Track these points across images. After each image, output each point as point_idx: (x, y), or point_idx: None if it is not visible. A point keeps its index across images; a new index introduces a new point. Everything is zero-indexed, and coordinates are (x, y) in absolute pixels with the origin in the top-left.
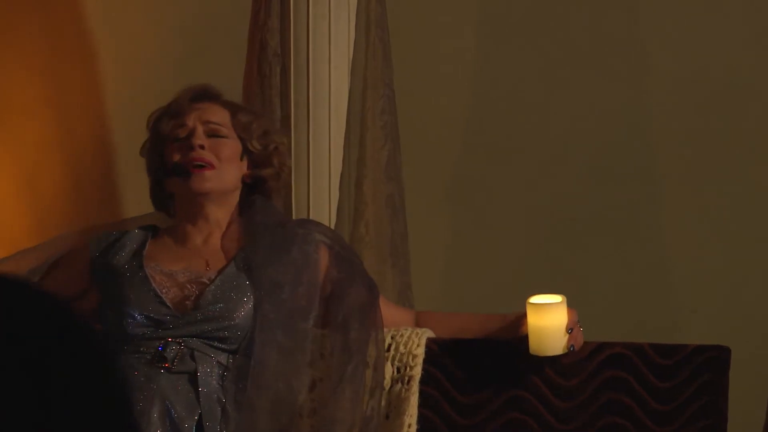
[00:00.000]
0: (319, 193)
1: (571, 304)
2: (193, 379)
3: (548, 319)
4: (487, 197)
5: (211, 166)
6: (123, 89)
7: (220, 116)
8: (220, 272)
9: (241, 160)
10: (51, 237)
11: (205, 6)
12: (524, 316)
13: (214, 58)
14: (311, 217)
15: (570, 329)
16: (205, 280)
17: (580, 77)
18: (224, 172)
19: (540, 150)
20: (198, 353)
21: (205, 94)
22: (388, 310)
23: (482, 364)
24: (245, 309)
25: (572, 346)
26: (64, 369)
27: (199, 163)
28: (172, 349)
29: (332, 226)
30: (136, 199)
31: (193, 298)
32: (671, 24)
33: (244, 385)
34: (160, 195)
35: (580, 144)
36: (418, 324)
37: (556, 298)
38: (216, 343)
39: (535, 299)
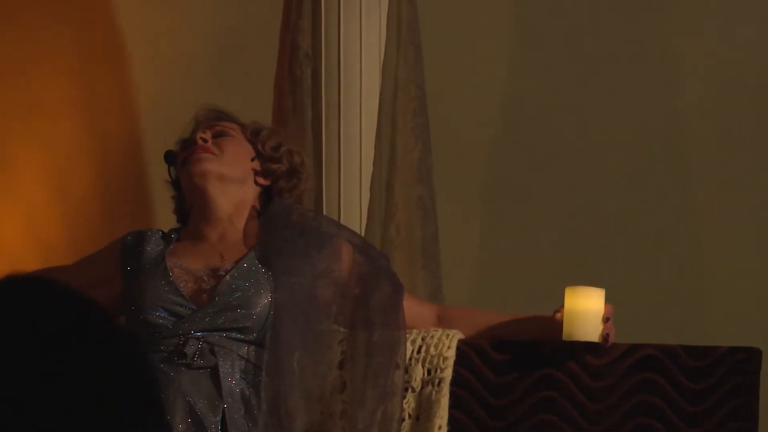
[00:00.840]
0: (350, 195)
1: None
2: (214, 374)
3: (586, 303)
4: (519, 199)
5: (210, 152)
6: (154, 91)
7: (228, 124)
8: (236, 263)
9: (252, 160)
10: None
11: (236, 7)
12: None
13: (246, 59)
14: (342, 219)
15: (607, 318)
16: (221, 272)
17: (613, 79)
18: (225, 158)
19: (573, 151)
20: (218, 347)
21: (215, 114)
22: (409, 305)
23: (513, 366)
24: (263, 297)
25: (607, 334)
26: (90, 365)
27: (200, 151)
28: (192, 344)
29: (363, 228)
30: (166, 200)
31: (209, 289)
32: (706, 27)
33: (269, 378)
34: (181, 208)
35: (613, 146)
36: (440, 319)
37: (595, 288)
38: (235, 335)
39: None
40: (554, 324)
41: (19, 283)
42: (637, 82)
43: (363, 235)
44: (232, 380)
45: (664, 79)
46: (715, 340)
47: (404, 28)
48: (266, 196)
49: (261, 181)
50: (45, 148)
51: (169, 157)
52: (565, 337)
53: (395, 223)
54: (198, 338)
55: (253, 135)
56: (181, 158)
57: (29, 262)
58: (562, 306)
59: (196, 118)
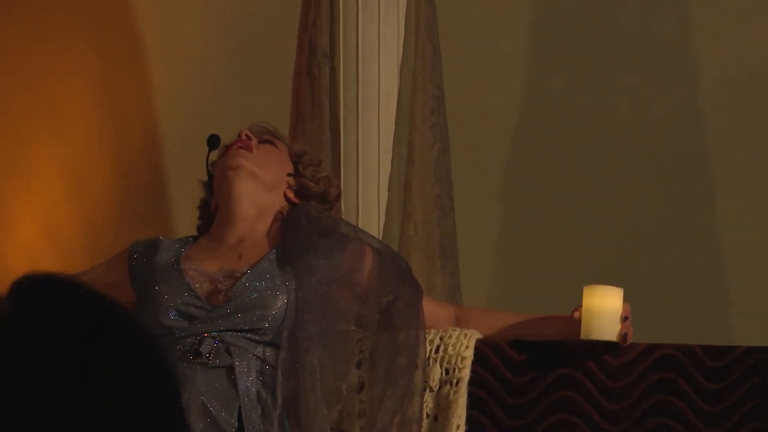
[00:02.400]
0: (368, 194)
1: None
2: (230, 373)
3: (604, 302)
4: (537, 198)
5: (250, 150)
6: (172, 91)
7: (276, 139)
8: (253, 265)
9: (289, 176)
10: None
11: (255, 7)
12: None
13: (264, 59)
14: (360, 218)
15: (625, 318)
16: (237, 274)
17: (631, 79)
18: (261, 160)
19: (591, 151)
20: (234, 347)
21: (266, 131)
22: (427, 306)
23: (531, 365)
24: (279, 299)
25: (625, 334)
26: (115, 364)
27: (240, 146)
28: (208, 344)
29: (381, 228)
30: (185, 201)
31: (225, 290)
32: (722, 25)
33: (284, 378)
34: (205, 215)
35: (631, 145)
36: (458, 319)
37: (613, 287)
38: (251, 335)
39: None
40: (573, 324)
41: (44, 283)
42: (655, 82)
43: (381, 234)
44: (249, 380)
45: (682, 79)
46: (733, 340)
47: (422, 27)
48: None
49: (291, 196)
50: (64, 147)
51: (213, 141)
52: (582, 336)
53: (413, 223)
54: (214, 338)
55: (297, 156)
56: (221, 151)
57: (48, 261)
58: (581, 305)
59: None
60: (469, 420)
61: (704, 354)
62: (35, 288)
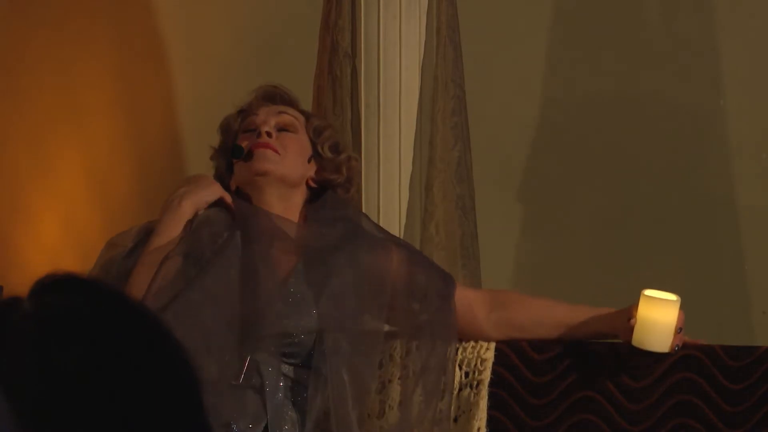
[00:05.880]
0: (389, 194)
1: None
2: (259, 391)
3: (662, 314)
4: (558, 198)
5: (275, 151)
6: (194, 89)
7: (294, 114)
8: (282, 286)
9: (309, 161)
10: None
11: (276, 7)
12: (621, 313)
13: (286, 58)
14: (381, 218)
15: (680, 329)
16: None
17: (654, 79)
18: (288, 161)
19: (613, 151)
20: (264, 365)
21: (280, 96)
22: (462, 293)
23: (552, 366)
24: (309, 323)
25: (677, 346)
26: (138, 364)
27: (264, 148)
28: (240, 363)
29: (402, 228)
30: None
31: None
32: (745, 24)
33: (314, 396)
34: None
35: (654, 144)
36: (495, 303)
37: (671, 296)
38: (280, 357)
39: (650, 293)
40: (622, 324)
41: (66, 282)
42: (678, 82)
43: (402, 234)
44: (277, 399)
45: (706, 78)
46: (755, 340)
47: (443, 26)
48: (312, 197)
49: (312, 183)
50: (85, 147)
51: (237, 153)
52: (635, 343)
53: (434, 222)
54: (244, 357)
55: (316, 134)
56: (240, 143)
57: (68, 261)
58: (633, 306)
59: (261, 94)
60: (491, 421)
61: (725, 354)
62: (57, 287)
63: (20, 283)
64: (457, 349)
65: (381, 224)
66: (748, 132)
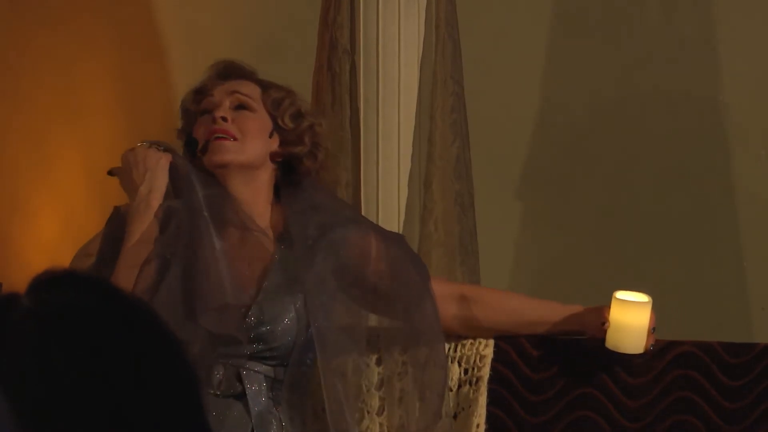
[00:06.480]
0: (388, 191)
1: None
2: (241, 398)
3: (634, 317)
4: (558, 195)
5: (233, 138)
6: None
7: (248, 89)
8: (260, 286)
9: (271, 137)
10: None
11: (276, 3)
12: (590, 312)
13: (285, 55)
14: (380, 215)
15: (653, 329)
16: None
17: (655, 75)
18: (247, 146)
19: (612, 148)
20: (244, 371)
21: (234, 71)
22: (433, 286)
23: (551, 362)
24: (290, 323)
25: (652, 346)
26: (136, 360)
27: (220, 134)
28: (218, 372)
29: (401, 224)
30: None
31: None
32: (745, 22)
33: (297, 395)
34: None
35: (653, 142)
36: (463, 298)
37: (642, 297)
38: (260, 360)
39: (622, 295)
40: (593, 325)
41: (64, 278)
42: (678, 78)
43: (401, 231)
44: (260, 403)
45: (706, 75)
46: (754, 337)
47: (442, 23)
48: (282, 172)
49: (278, 158)
50: (85, 147)
51: (193, 146)
52: (609, 345)
53: (433, 219)
54: (224, 365)
55: (274, 106)
56: (196, 133)
57: (68, 259)
58: (605, 308)
59: (215, 71)
60: (490, 417)
61: (724, 351)
62: (56, 284)
63: (19, 280)
64: (456, 346)
65: (380, 221)
66: (748, 129)
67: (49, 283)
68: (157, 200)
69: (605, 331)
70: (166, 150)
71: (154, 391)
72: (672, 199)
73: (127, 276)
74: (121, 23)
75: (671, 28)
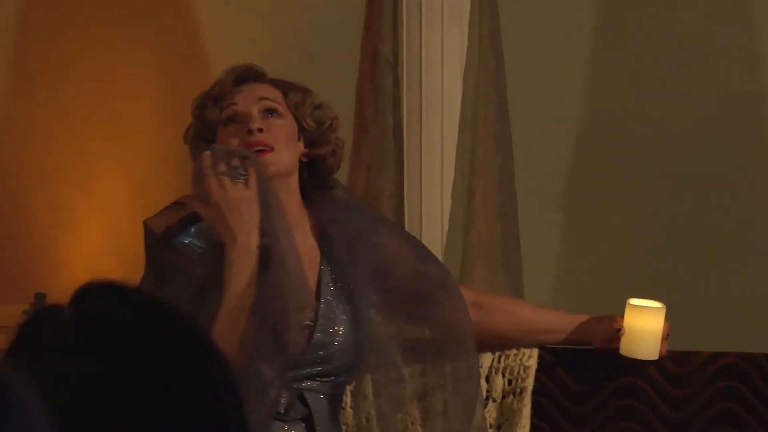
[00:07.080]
0: (432, 202)
1: (682, 314)
2: (307, 420)
3: (649, 322)
4: (601, 206)
5: (271, 149)
6: None
7: (273, 94)
8: (318, 303)
9: (299, 140)
10: None
11: (319, 13)
12: (598, 321)
13: (328, 65)
14: (423, 226)
15: (667, 335)
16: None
17: (696, 85)
18: (282, 154)
19: (655, 158)
20: (307, 393)
21: (250, 75)
22: None
23: (593, 373)
24: (347, 342)
25: (666, 352)
26: (177, 373)
27: (260, 147)
28: (284, 396)
29: (444, 236)
30: None
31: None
32: None
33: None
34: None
35: (695, 153)
36: (475, 305)
37: (656, 304)
38: (323, 379)
39: (636, 301)
40: (600, 335)
41: (106, 290)
42: (721, 89)
43: (444, 242)
44: (325, 424)
45: (750, 86)
46: None
47: (485, 35)
48: (302, 168)
49: (304, 159)
50: (126, 154)
51: (236, 155)
52: (623, 352)
53: (476, 230)
54: (289, 388)
55: (298, 108)
56: (229, 142)
57: (111, 268)
58: (617, 316)
59: (233, 78)
60: (534, 429)
61: (767, 362)
62: (98, 295)
63: (63, 291)
64: (500, 357)
65: (423, 233)
66: None
67: (91, 293)
68: (255, 242)
69: (614, 341)
70: (245, 158)
71: (194, 410)
72: (717, 208)
73: (231, 324)
74: (162, 33)
75: (712, 36)
